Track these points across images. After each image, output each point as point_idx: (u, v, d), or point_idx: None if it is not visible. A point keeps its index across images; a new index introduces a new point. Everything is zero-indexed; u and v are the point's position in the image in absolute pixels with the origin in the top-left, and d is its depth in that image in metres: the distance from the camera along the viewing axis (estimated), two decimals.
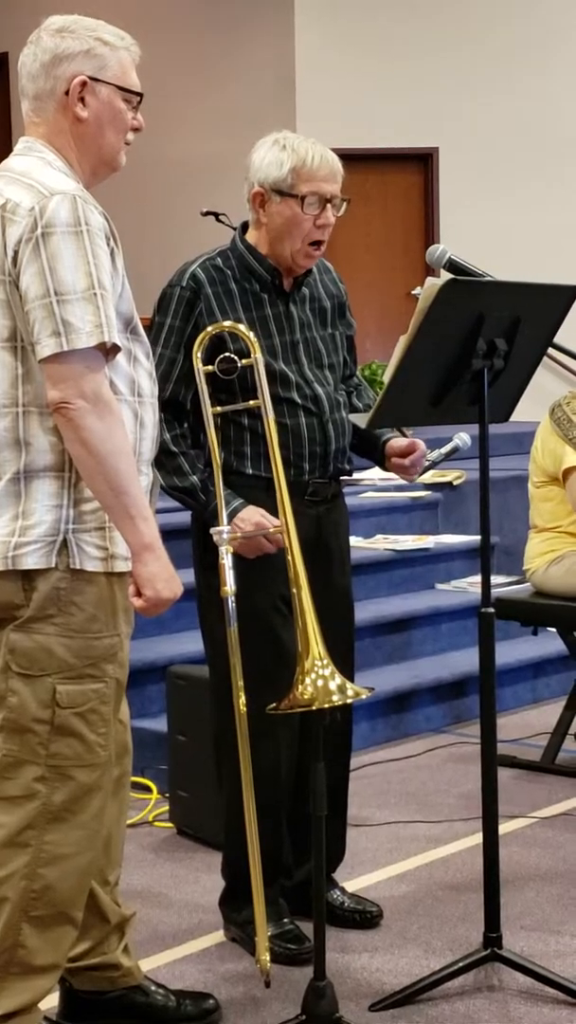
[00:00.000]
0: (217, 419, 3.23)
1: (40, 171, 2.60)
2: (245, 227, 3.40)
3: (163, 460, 3.26)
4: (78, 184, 2.62)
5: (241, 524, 3.19)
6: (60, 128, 2.68)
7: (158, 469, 3.24)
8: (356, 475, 6.02)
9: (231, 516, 3.19)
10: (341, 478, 3.49)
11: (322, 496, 3.41)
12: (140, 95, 2.73)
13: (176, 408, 3.31)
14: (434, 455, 3.64)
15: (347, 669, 3.39)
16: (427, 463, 3.55)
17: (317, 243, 3.32)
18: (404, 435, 3.53)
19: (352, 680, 3.33)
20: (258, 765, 3.12)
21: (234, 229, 3.45)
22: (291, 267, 3.35)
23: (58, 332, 2.48)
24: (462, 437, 3.80)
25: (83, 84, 2.66)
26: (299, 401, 3.33)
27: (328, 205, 3.29)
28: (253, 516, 3.20)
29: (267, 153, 3.29)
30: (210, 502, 3.21)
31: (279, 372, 3.31)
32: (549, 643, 5.71)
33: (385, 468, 3.51)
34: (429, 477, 6.45)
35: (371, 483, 6.77)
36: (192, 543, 3.41)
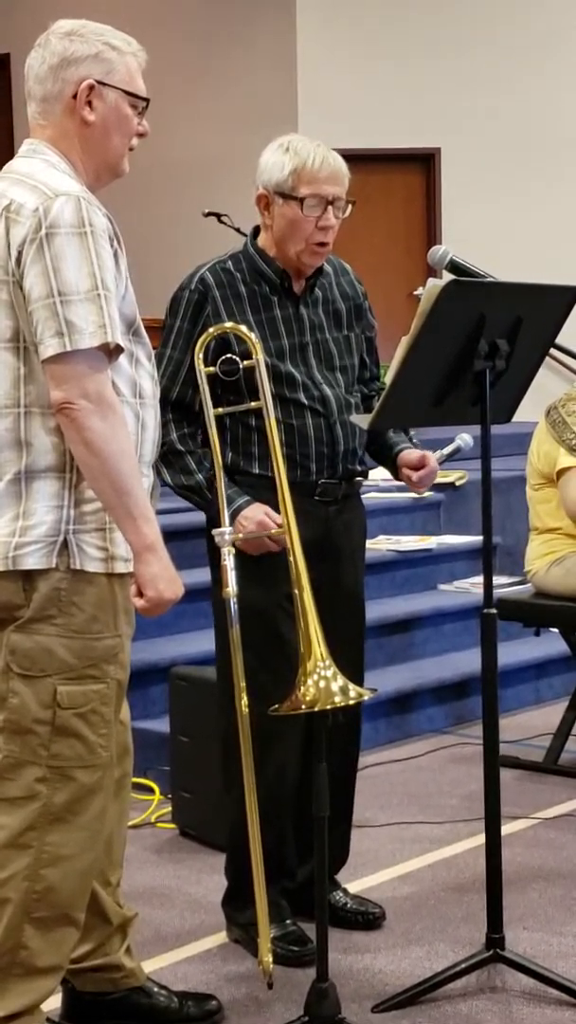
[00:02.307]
0: (224, 419, 3.24)
1: (44, 173, 2.61)
2: (257, 231, 3.41)
3: (170, 459, 3.27)
4: (82, 186, 2.63)
5: (244, 522, 3.19)
6: (66, 131, 2.68)
7: (166, 468, 3.26)
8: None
9: (236, 513, 3.20)
10: (357, 479, 3.48)
11: (332, 496, 3.40)
12: (147, 100, 2.74)
13: (183, 409, 3.31)
14: (436, 456, 3.64)
15: (356, 671, 3.38)
16: None
17: (322, 243, 3.32)
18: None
19: (361, 681, 3.33)
20: (267, 766, 3.12)
21: (236, 230, 3.46)
22: (299, 267, 3.35)
23: (61, 332, 2.48)
24: (464, 438, 3.80)
25: (91, 88, 2.66)
26: (306, 402, 3.33)
27: (330, 207, 3.29)
28: (257, 515, 3.20)
29: (271, 156, 3.30)
30: (216, 499, 3.21)
31: (286, 373, 3.31)
32: (551, 644, 5.70)
33: (397, 478, 3.50)
34: None
35: (374, 484, 6.76)
36: (206, 542, 3.40)
